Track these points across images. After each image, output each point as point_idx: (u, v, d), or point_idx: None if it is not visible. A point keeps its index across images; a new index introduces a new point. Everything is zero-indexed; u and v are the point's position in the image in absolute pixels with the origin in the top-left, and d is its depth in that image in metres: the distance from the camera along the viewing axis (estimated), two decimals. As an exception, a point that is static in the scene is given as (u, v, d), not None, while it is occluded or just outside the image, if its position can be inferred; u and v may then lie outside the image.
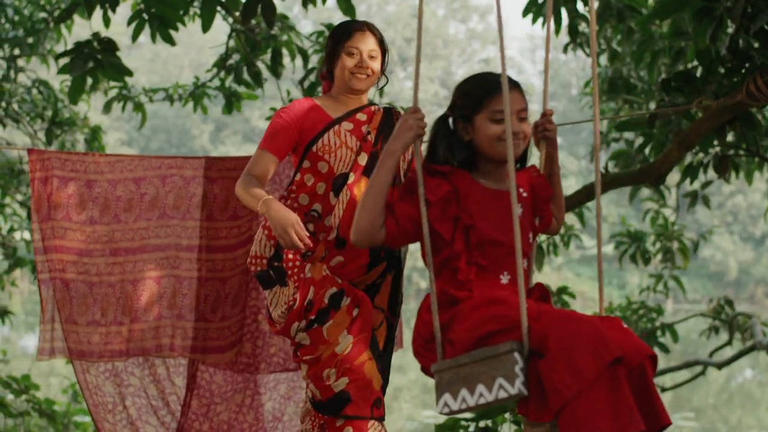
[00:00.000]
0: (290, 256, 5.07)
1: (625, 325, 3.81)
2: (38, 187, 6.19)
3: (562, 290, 12.92)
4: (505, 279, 3.97)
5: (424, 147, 4.20)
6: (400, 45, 73.06)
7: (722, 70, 6.70)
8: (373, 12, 76.36)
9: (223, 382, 6.33)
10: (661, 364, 14.55)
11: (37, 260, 6.23)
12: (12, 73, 11.79)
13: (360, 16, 74.98)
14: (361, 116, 5.28)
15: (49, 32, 11.23)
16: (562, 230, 12.56)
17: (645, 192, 12.93)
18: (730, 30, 6.92)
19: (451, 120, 4.14)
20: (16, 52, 11.64)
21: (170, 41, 8.62)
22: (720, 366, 12.47)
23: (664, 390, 12.83)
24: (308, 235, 4.96)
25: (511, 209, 3.79)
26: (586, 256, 60.85)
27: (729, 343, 12.60)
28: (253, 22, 9.92)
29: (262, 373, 6.31)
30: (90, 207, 6.25)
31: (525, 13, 10.28)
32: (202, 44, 66.64)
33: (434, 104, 72.73)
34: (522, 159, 4.18)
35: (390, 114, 5.36)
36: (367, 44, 5.21)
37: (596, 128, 4.16)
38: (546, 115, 4.21)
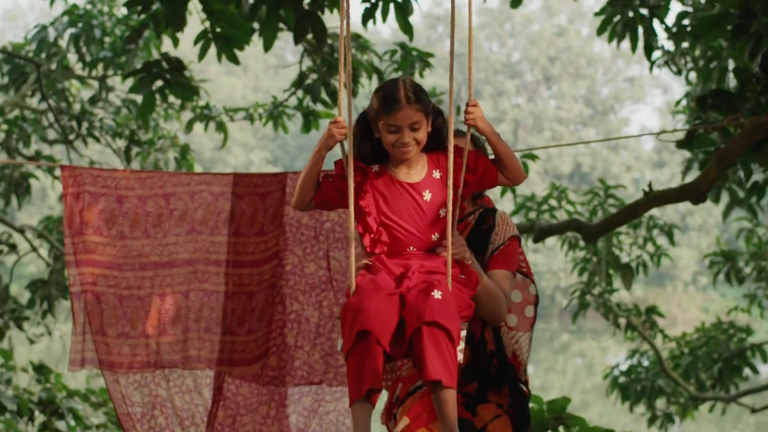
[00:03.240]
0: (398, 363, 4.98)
1: (436, 292, 4.31)
2: (70, 202, 6.40)
3: (651, 310, 12.86)
4: (412, 249, 4.56)
5: None
6: (544, 64, 72.72)
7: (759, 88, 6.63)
8: (517, 31, 76.07)
9: (249, 394, 6.45)
10: (751, 384, 14.26)
11: (69, 274, 6.43)
12: (103, 93, 12.14)
13: (504, 35, 75.10)
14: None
15: (140, 51, 11.52)
16: (651, 249, 12.48)
17: (738, 211, 12.76)
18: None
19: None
20: (109, 72, 11.97)
21: (235, 61, 8.80)
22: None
23: (754, 411, 12.62)
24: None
25: (415, 199, 4.55)
26: (719, 279, 59.49)
27: (822, 365, 12.40)
28: (330, 41, 10.07)
29: (287, 386, 6.42)
30: (120, 222, 6.43)
31: (600, 32, 10.27)
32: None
33: (579, 123, 72.10)
34: (436, 146, 4.65)
35: (483, 220, 5.05)
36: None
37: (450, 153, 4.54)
38: (468, 105, 4.55)
